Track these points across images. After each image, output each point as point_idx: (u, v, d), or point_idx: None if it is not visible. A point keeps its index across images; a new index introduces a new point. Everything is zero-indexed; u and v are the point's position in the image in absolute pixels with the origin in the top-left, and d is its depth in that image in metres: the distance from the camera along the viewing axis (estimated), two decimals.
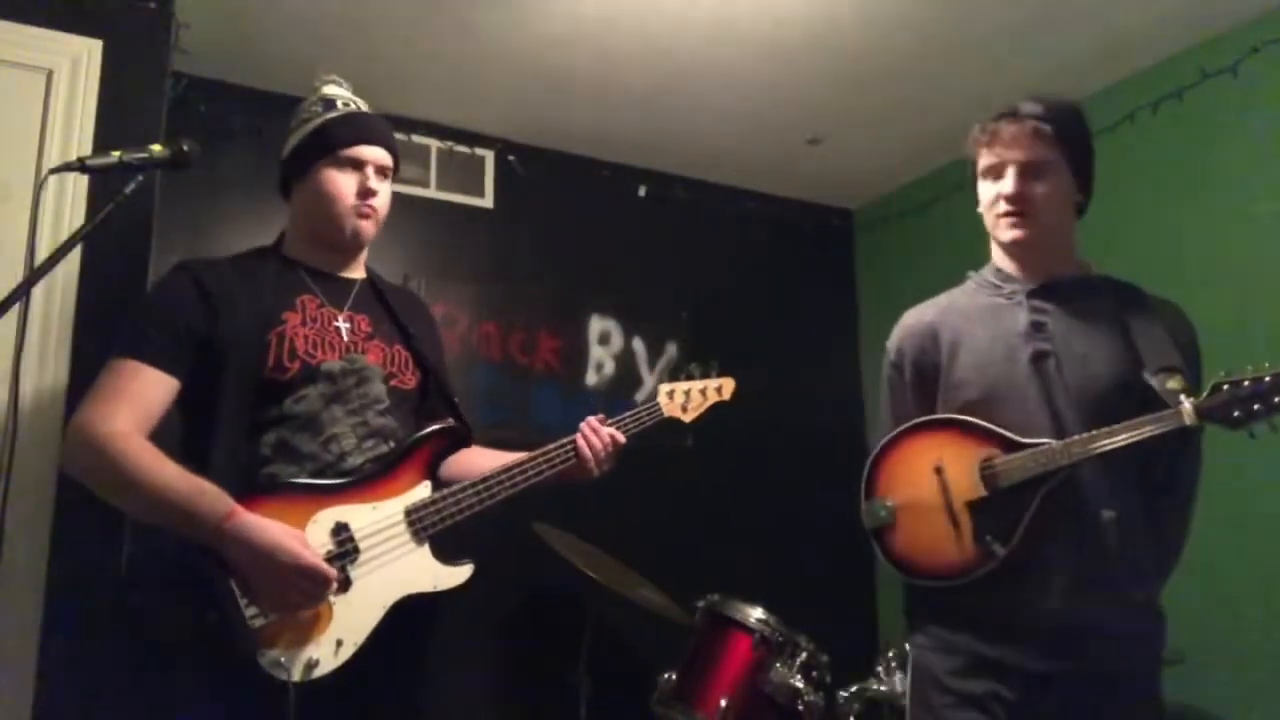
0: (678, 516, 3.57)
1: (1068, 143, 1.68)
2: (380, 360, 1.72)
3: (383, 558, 1.57)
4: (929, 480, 1.66)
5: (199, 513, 1.43)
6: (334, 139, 1.72)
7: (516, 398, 3.44)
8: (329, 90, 1.80)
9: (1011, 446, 1.60)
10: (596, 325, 3.67)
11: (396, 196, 3.36)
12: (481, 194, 3.56)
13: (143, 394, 1.53)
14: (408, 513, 1.62)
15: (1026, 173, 1.66)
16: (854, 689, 2.44)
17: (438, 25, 2.86)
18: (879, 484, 1.73)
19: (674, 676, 2.35)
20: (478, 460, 1.81)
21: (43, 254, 1.61)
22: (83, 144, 2.03)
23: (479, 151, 3.56)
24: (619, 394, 3.62)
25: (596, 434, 1.83)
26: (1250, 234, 2.79)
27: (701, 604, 2.48)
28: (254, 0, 2.70)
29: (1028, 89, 3.26)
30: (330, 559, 1.50)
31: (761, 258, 4.09)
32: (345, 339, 1.69)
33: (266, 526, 1.44)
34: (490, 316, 3.47)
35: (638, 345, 3.72)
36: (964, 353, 1.70)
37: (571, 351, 3.60)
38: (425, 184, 3.45)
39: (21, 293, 1.49)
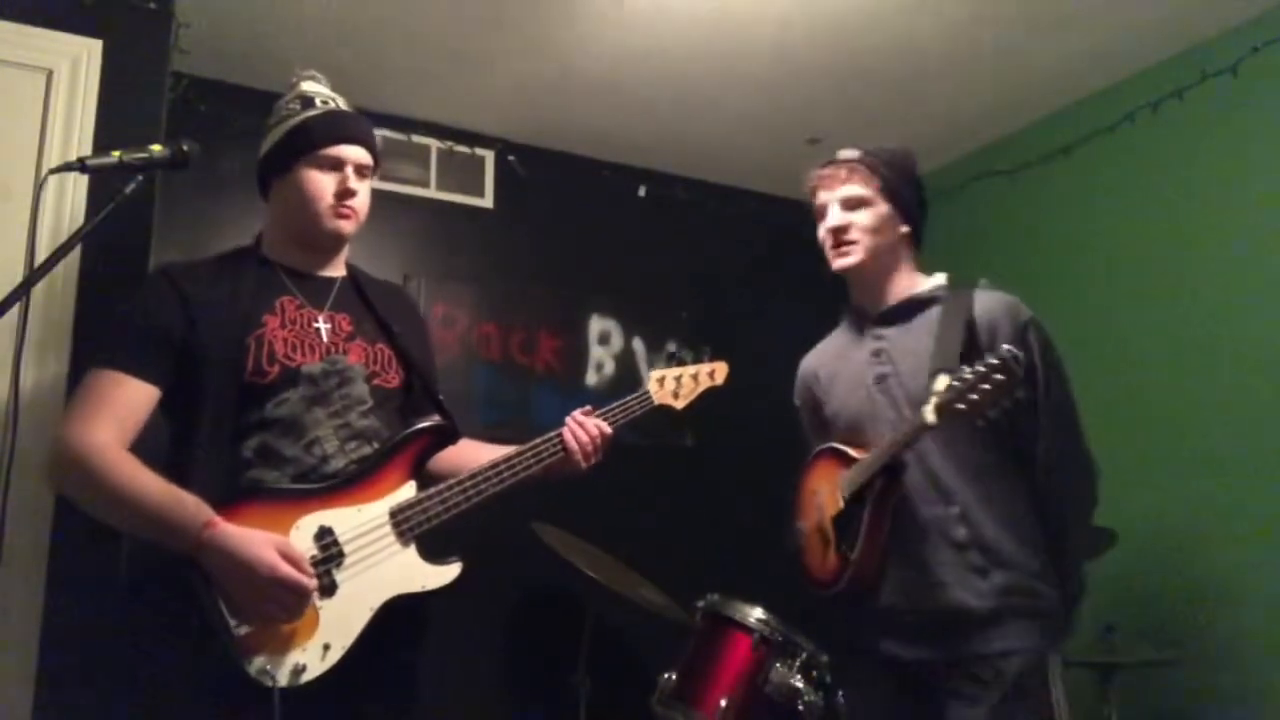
0: (678, 516, 3.56)
1: (883, 179, 1.86)
2: (362, 360, 1.70)
3: (369, 560, 1.55)
4: (813, 504, 1.91)
5: (178, 524, 1.42)
6: (313, 138, 1.69)
7: (516, 398, 3.44)
8: (307, 87, 1.76)
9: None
10: (596, 325, 3.67)
11: (396, 196, 3.42)
12: (481, 194, 3.56)
13: (124, 404, 1.52)
14: (393, 514, 1.60)
15: (846, 206, 1.87)
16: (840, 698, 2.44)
17: (438, 25, 2.86)
18: (798, 511, 1.98)
19: (674, 676, 2.34)
20: (470, 454, 1.78)
21: (43, 254, 1.61)
22: (83, 144, 2.04)
23: (479, 151, 3.56)
24: (619, 394, 3.56)
25: (583, 426, 1.81)
26: (1250, 234, 2.79)
27: (701, 604, 2.47)
28: (254, 0, 2.71)
29: (1028, 89, 3.30)
30: (315, 564, 1.49)
31: (761, 258, 4.09)
32: (325, 340, 1.67)
33: (245, 537, 1.43)
34: (490, 316, 3.47)
35: (638, 345, 3.72)
36: (834, 388, 1.94)
37: (571, 351, 3.59)
38: (425, 184, 3.45)
39: (21, 293, 1.49)
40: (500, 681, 3.26)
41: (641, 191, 3.87)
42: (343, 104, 1.78)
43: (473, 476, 1.68)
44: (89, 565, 1.87)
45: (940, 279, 1.90)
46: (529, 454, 1.76)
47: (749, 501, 3.69)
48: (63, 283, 1.94)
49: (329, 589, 1.50)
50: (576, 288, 3.66)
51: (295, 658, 1.45)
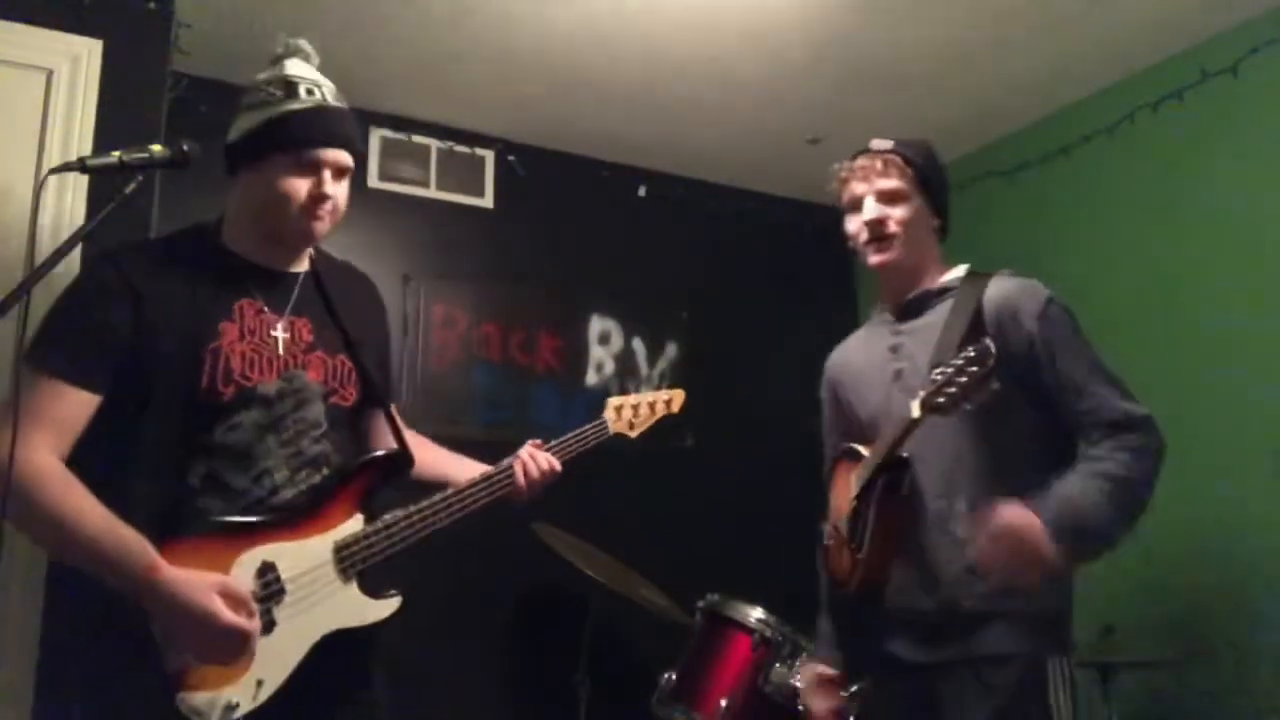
0: (678, 516, 3.56)
1: (918, 171, 1.81)
2: (321, 377, 1.64)
3: (310, 599, 1.51)
4: (837, 503, 1.89)
5: (120, 566, 1.37)
6: (293, 136, 1.58)
7: (516, 398, 3.44)
8: (292, 70, 1.65)
9: None
10: (596, 325, 3.67)
11: (396, 196, 3.42)
12: (481, 194, 3.56)
13: (64, 417, 1.44)
14: (337, 549, 1.56)
15: (883, 200, 1.80)
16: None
17: (438, 26, 2.86)
18: (830, 508, 1.95)
19: (674, 676, 2.34)
20: (447, 464, 1.80)
21: (43, 254, 1.61)
22: (83, 144, 2.03)
23: (479, 151, 3.56)
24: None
25: (535, 460, 1.79)
26: (1251, 233, 2.79)
27: (701, 604, 2.47)
28: (254, 1, 2.71)
29: (1028, 89, 3.29)
30: (256, 599, 1.45)
31: (761, 258, 4.09)
32: (283, 353, 1.60)
33: (187, 584, 1.37)
34: (490, 316, 3.47)
35: (638, 345, 3.72)
36: (854, 384, 1.92)
37: (571, 351, 3.59)
38: (425, 184, 3.45)
39: (21, 293, 1.49)
40: (500, 681, 3.26)
41: (641, 191, 3.86)
42: (328, 91, 1.66)
43: (420, 510, 1.63)
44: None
45: (960, 271, 1.86)
46: (481, 486, 1.72)
47: (749, 501, 3.70)
48: (63, 283, 1.94)
49: (267, 627, 1.46)
50: (576, 288, 3.66)
51: (228, 694, 1.41)
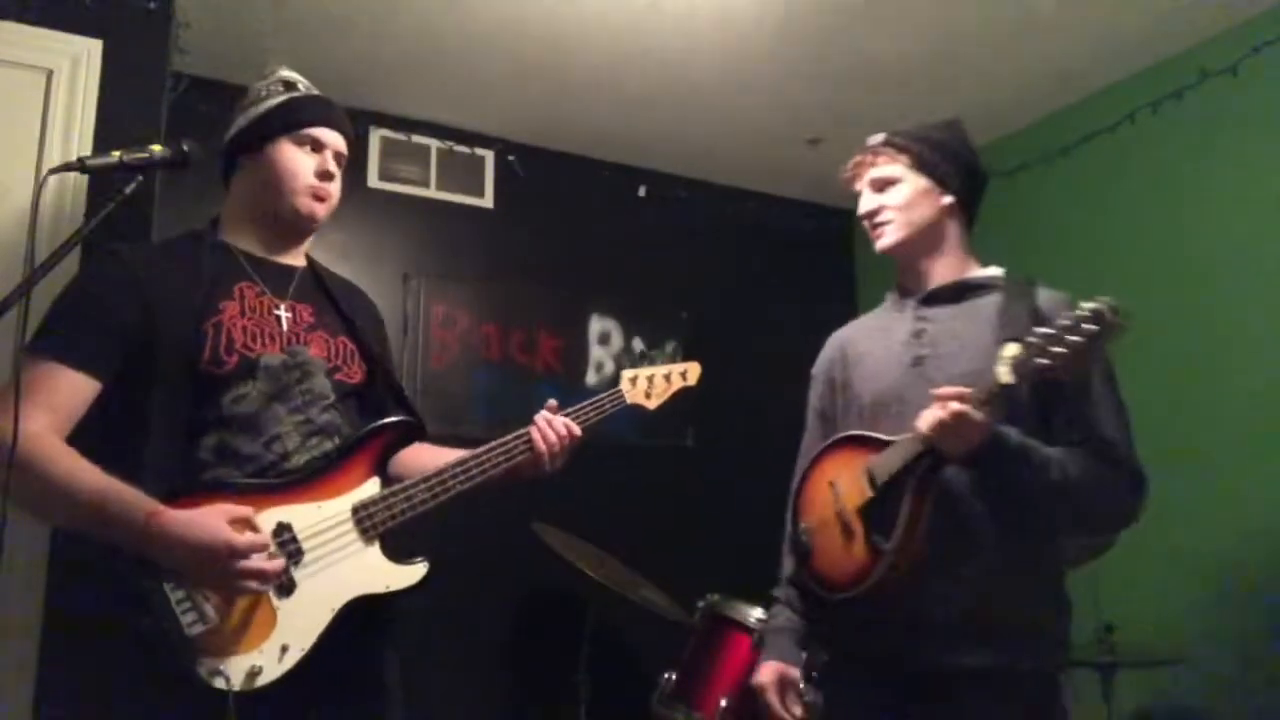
0: (678, 516, 3.56)
1: (911, 153, 1.79)
2: (324, 353, 1.64)
3: (329, 558, 1.49)
4: (825, 496, 1.72)
5: (119, 517, 1.36)
6: (300, 115, 1.65)
7: (516, 398, 3.44)
8: (286, 74, 1.72)
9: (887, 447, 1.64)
10: (596, 325, 3.67)
11: (396, 196, 3.42)
12: (481, 194, 3.56)
13: (62, 398, 1.44)
14: (355, 510, 1.53)
15: (875, 188, 1.81)
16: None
17: (438, 26, 2.86)
18: (801, 514, 1.79)
19: (674, 676, 2.34)
20: (427, 457, 1.71)
21: (43, 254, 1.60)
22: (83, 144, 2.03)
23: (479, 151, 3.56)
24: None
25: (551, 425, 1.72)
26: (1251, 233, 2.79)
27: (701, 604, 2.47)
28: (254, 0, 2.71)
29: (1028, 89, 3.29)
30: (273, 557, 1.43)
31: (761, 258, 4.09)
32: (285, 330, 1.61)
33: (190, 518, 1.36)
34: (490, 316, 3.47)
35: (638, 345, 3.73)
36: (862, 364, 1.82)
37: (571, 351, 3.60)
38: (425, 184, 3.45)
39: (21, 293, 1.49)
40: (500, 681, 3.26)
41: (641, 191, 3.87)
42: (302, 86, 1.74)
43: (440, 473, 1.61)
44: (89, 565, 1.86)
45: (997, 270, 1.81)
46: (498, 451, 1.67)
47: (749, 501, 3.69)
48: (63, 283, 1.94)
49: (287, 588, 1.44)
50: (576, 288, 3.67)
51: (251, 660, 1.39)
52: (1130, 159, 3.14)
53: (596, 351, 3.65)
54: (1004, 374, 1.45)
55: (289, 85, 1.69)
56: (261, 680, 1.38)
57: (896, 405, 1.69)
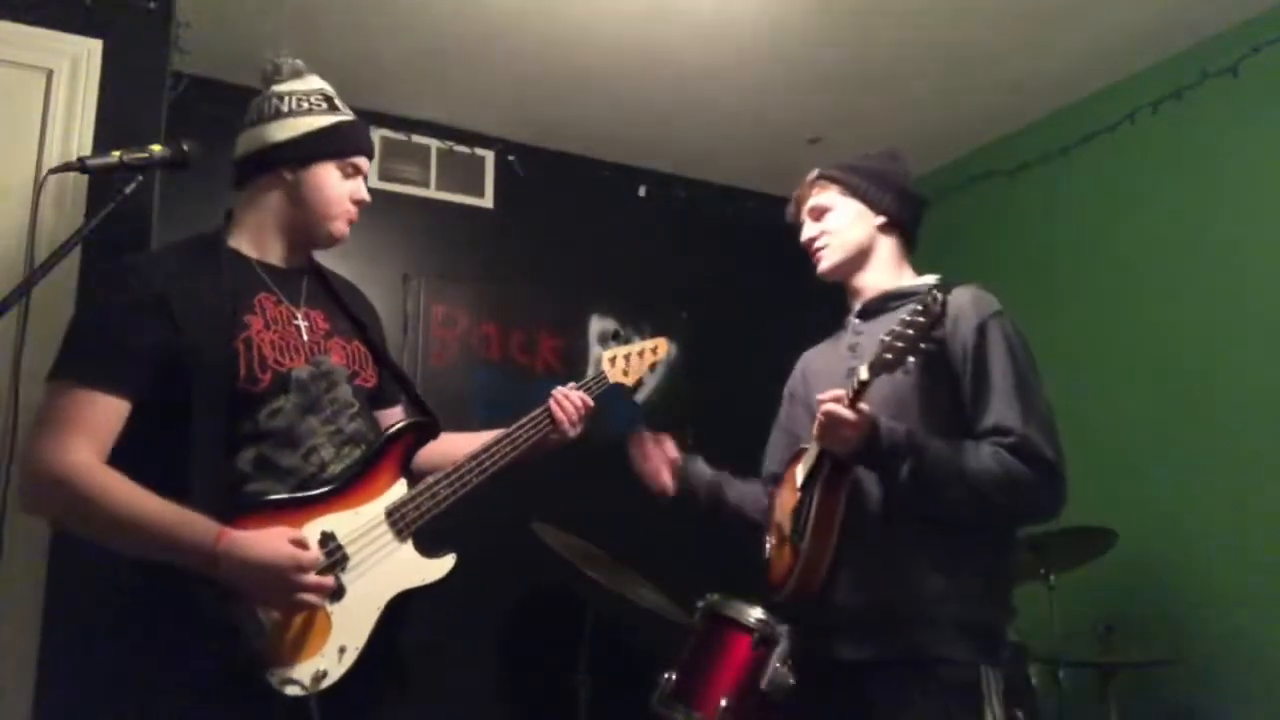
0: (678, 516, 3.55)
1: (840, 182, 1.94)
2: (344, 360, 1.71)
3: (371, 560, 1.58)
4: (773, 505, 1.92)
5: (189, 542, 1.40)
6: (349, 144, 1.73)
7: (516, 398, 3.39)
8: (321, 84, 1.75)
9: None
10: (596, 325, 3.67)
11: (396, 196, 3.42)
12: (481, 194, 3.56)
13: (99, 423, 1.46)
14: (388, 513, 1.63)
15: (813, 217, 1.98)
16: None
17: (438, 26, 2.86)
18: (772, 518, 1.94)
19: (674, 676, 2.34)
20: (449, 448, 1.79)
21: (43, 254, 1.61)
22: (83, 144, 2.03)
23: (479, 151, 3.56)
24: (619, 393, 3.61)
25: (569, 398, 1.91)
26: (1251, 233, 2.79)
27: (701, 604, 2.47)
28: (254, 0, 2.71)
29: (1028, 89, 3.29)
30: (322, 571, 1.49)
31: (761, 257, 4.08)
32: (307, 340, 1.66)
33: (258, 538, 1.43)
34: (490, 316, 3.47)
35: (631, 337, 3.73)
36: (816, 380, 1.96)
37: (571, 351, 3.60)
38: (425, 184, 3.45)
39: (21, 293, 1.49)
40: (500, 681, 3.26)
41: (641, 191, 3.87)
42: (338, 101, 1.78)
43: (458, 468, 1.71)
44: (89, 565, 1.86)
45: (929, 278, 1.89)
46: (519, 434, 1.82)
47: None
48: (63, 283, 1.94)
49: (338, 592, 1.52)
50: (576, 288, 3.66)
51: (315, 664, 1.47)
52: (1130, 159, 3.14)
53: (596, 351, 3.65)
54: (863, 371, 1.59)
55: (329, 101, 1.73)
56: (327, 682, 1.48)
57: None
